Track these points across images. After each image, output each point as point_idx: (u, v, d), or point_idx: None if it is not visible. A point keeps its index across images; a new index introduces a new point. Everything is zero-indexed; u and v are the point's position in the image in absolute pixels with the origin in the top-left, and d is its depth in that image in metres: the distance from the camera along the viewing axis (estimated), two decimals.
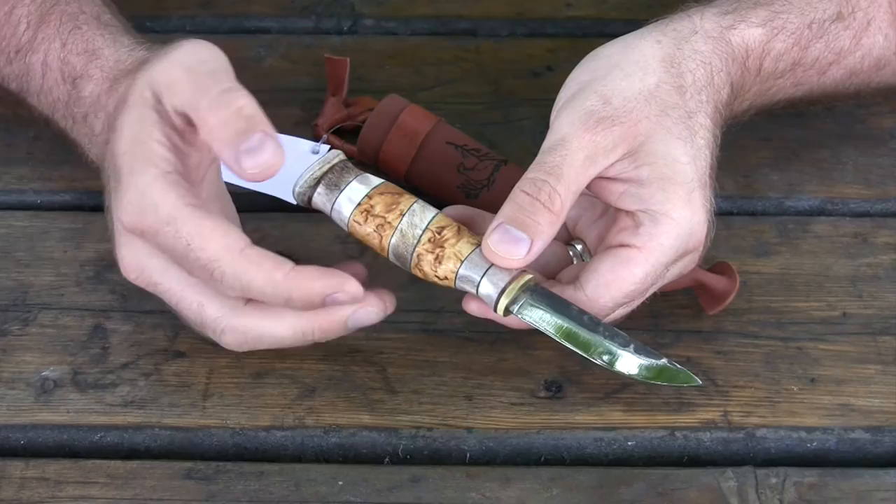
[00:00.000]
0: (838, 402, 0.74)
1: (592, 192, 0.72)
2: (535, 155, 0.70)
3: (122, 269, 0.70)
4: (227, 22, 1.01)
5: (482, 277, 0.68)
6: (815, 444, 0.73)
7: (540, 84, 0.95)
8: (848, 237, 0.83)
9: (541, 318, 0.69)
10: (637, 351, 0.70)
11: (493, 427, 0.73)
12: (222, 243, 0.65)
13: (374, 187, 0.70)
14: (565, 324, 0.69)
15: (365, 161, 0.85)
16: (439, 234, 0.69)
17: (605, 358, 0.69)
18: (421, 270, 0.69)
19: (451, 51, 0.98)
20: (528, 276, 0.69)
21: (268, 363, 0.75)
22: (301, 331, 0.69)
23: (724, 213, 0.84)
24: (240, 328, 0.69)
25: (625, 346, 0.69)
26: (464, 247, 0.68)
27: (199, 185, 0.70)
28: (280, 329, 0.69)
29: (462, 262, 0.68)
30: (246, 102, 0.65)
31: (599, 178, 0.70)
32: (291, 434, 0.73)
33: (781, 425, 0.73)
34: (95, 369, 0.75)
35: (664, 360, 0.70)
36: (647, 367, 0.70)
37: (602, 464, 0.72)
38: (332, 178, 0.70)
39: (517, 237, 0.68)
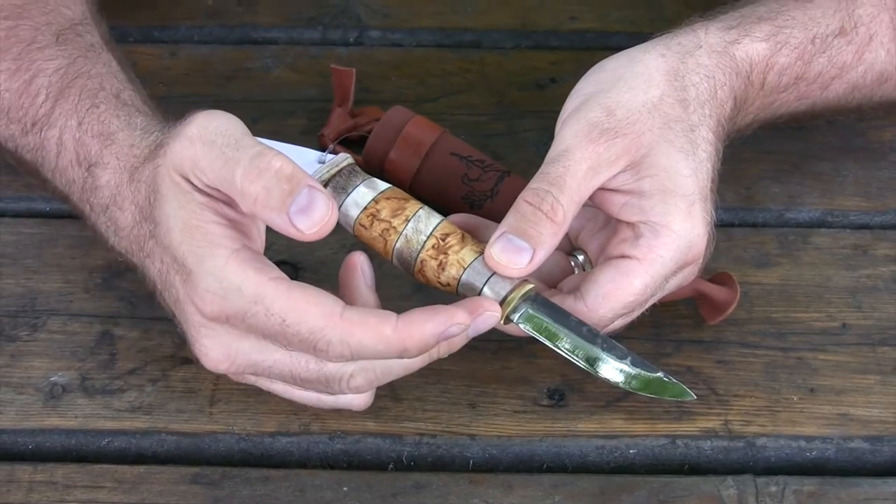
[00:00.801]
0: (838, 412, 0.75)
1: (594, 203, 0.72)
2: (538, 166, 0.70)
3: (207, 363, 0.67)
4: (235, 32, 1.01)
5: (484, 285, 0.69)
6: (814, 452, 0.73)
7: (544, 96, 0.95)
8: (848, 249, 0.84)
9: (539, 329, 0.69)
10: (633, 364, 0.70)
11: (496, 434, 0.73)
12: (319, 312, 0.63)
13: (381, 192, 0.70)
14: (563, 335, 0.69)
15: (370, 171, 0.85)
16: (443, 240, 0.69)
17: (600, 370, 0.69)
18: (424, 276, 0.69)
19: (456, 62, 0.98)
20: (529, 286, 0.69)
21: None
22: (428, 355, 0.67)
23: (726, 224, 0.85)
24: (368, 366, 0.66)
25: (622, 358, 0.70)
26: (467, 254, 0.69)
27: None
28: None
29: (465, 269, 0.69)
30: (282, 162, 0.63)
31: (601, 189, 0.71)
32: (297, 440, 0.73)
33: (781, 434, 0.74)
34: (103, 375, 0.76)
35: (660, 374, 0.71)
36: (637, 378, 0.70)
37: (604, 471, 0.73)
38: (339, 182, 0.71)
39: (520, 246, 0.68)
